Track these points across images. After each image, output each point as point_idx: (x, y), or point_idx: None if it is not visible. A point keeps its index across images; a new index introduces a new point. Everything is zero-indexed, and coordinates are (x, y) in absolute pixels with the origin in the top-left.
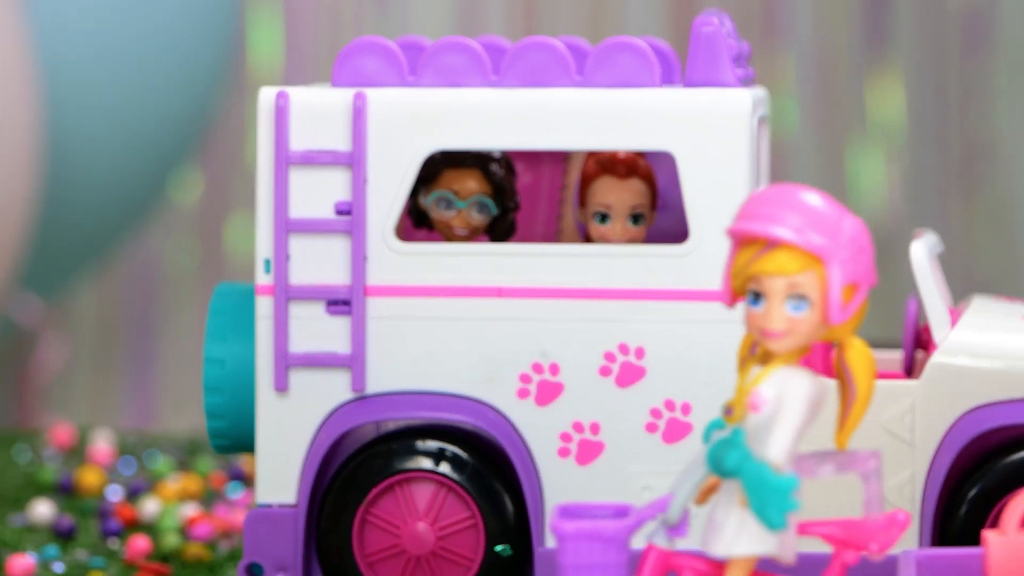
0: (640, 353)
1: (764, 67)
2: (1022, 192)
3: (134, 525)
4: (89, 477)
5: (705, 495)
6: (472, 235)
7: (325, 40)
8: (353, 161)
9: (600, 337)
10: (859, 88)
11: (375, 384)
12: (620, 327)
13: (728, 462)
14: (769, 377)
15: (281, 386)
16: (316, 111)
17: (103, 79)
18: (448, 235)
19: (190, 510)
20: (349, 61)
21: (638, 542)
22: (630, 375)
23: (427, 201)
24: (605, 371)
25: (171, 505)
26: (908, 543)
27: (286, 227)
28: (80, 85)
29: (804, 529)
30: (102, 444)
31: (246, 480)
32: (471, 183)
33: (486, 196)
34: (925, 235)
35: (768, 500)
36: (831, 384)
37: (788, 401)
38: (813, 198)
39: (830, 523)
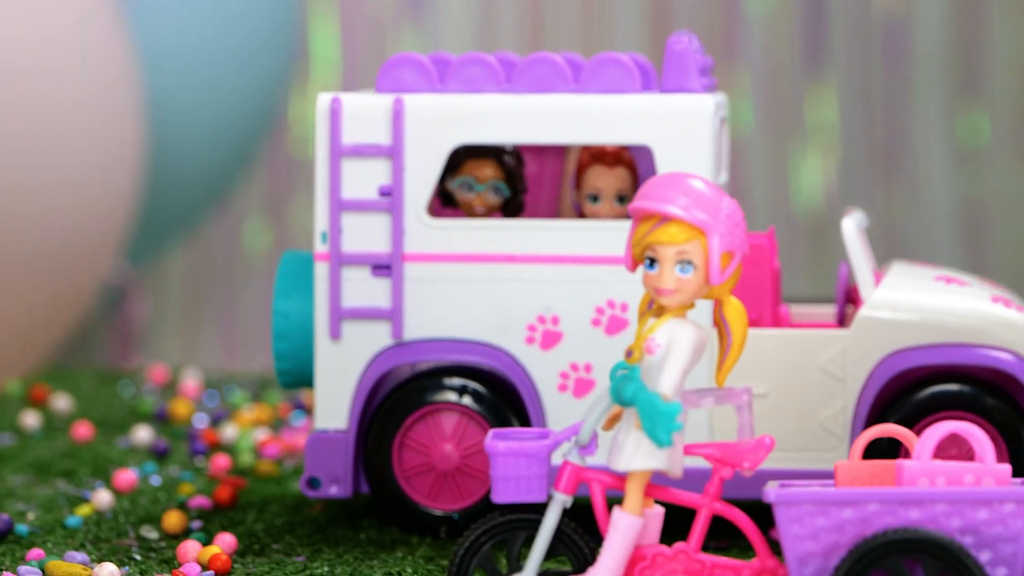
0: (624, 308)
1: (724, 77)
2: (932, 178)
3: (216, 446)
4: (180, 408)
5: (610, 422)
6: (488, 213)
7: (371, 54)
8: (393, 153)
9: (592, 295)
10: (800, 95)
11: (410, 333)
12: (608, 287)
13: (627, 393)
14: (662, 327)
15: (335, 334)
16: (363, 112)
17: (195, 82)
18: (469, 212)
19: (262, 434)
20: (390, 72)
21: (557, 459)
22: (616, 325)
23: (452, 185)
24: (596, 322)
25: (246, 430)
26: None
27: (339, 206)
28: (175, 88)
29: (689, 450)
30: (191, 381)
31: (306, 410)
32: (488, 170)
33: (500, 181)
34: (854, 213)
35: (658, 423)
36: (711, 333)
37: (676, 346)
38: (698, 183)
39: (710, 445)
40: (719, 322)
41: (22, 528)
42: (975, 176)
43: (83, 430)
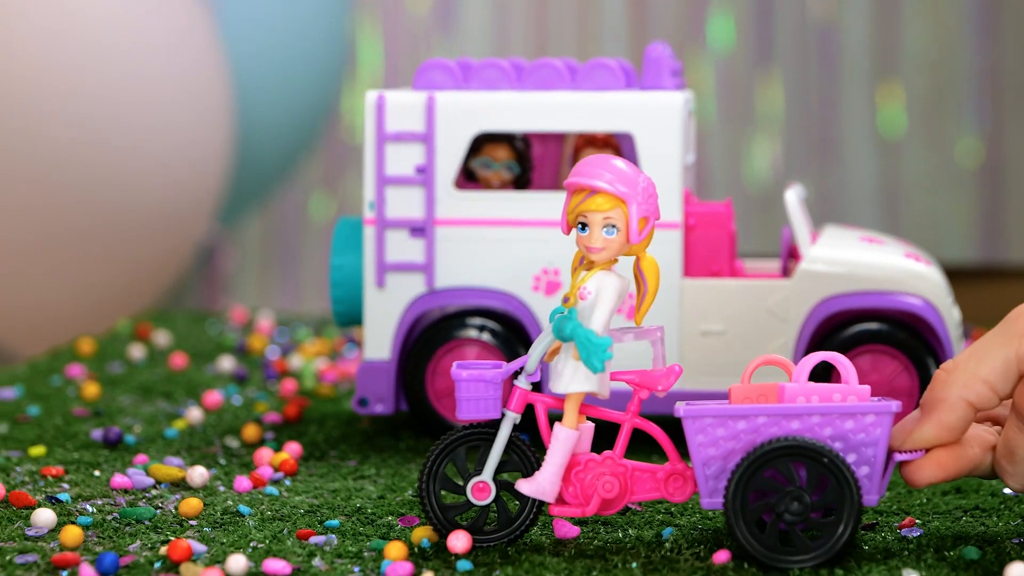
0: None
1: (692, 78)
2: (858, 160)
3: (285, 373)
4: (256, 342)
5: (551, 355)
6: (503, 186)
7: (408, 57)
8: (426, 138)
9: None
10: (752, 91)
11: (440, 282)
12: None
13: (567, 330)
14: (592, 277)
15: (380, 283)
16: (402, 106)
17: (270, 83)
18: (488, 186)
19: (321, 363)
20: (424, 73)
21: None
22: None
23: (474, 164)
24: None
25: (309, 360)
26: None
27: (383, 181)
28: (255, 87)
29: (614, 376)
30: (265, 320)
31: (357, 344)
32: (502, 152)
33: (512, 161)
34: (795, 186)
35: (593, 353)
36: (629, 281)
37: (604, 293)
38: (620, 163)
39: (631, 372)
40: (637, 274)
41: (130, 438)
42: (892, 159)
43: (179, 360)
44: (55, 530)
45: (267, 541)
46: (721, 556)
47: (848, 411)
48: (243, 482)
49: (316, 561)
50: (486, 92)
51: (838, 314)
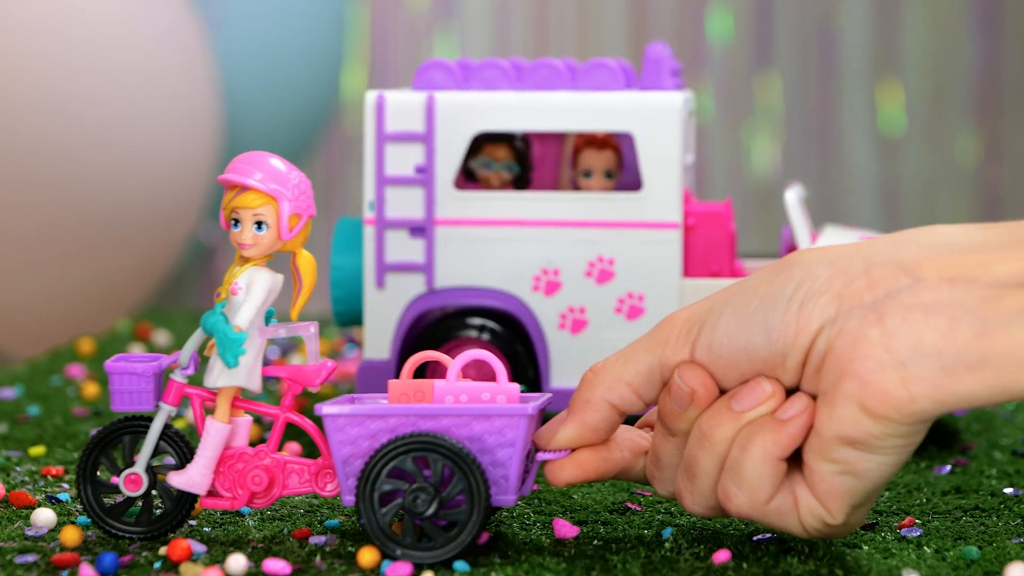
0: (611, 262)
1: (691, 77)
2: (858, 160)
3: None
4: None
5: (211, 348)
6: (503, 186)
7: (408, 58)
8: (426, 138)
9: (585, 252)
10: (751, 90)
11: (440, 282)
12: (599, 245)
13: (207, 325)
14: (244, 273)
15: (380, 283)
16: (402, 106)
17: (267, 85)
18: (487, 186)
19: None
20: (424, 73)
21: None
22: (605, 276)
23: (474, 164)
24: (588, 273)
25: None
26: None
27: (383, 181)
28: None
29: (268, 371)
30: None
31: (357, 343)
32: (502, 152)
33: (512, 161)
34: (795, 186)
35: (227, 348)
36: (282, 278)
37: (253, 288)
38: (275, 161)
39: (283, 367)
40: (293, 270)
41: None
42: (892, 158)
43: None
44: (55, 530)
45: (267, 541)
46: (721, 556)
47: (480, 413)
48: None
49: (316, 561)
50: (486, 92)
51: None
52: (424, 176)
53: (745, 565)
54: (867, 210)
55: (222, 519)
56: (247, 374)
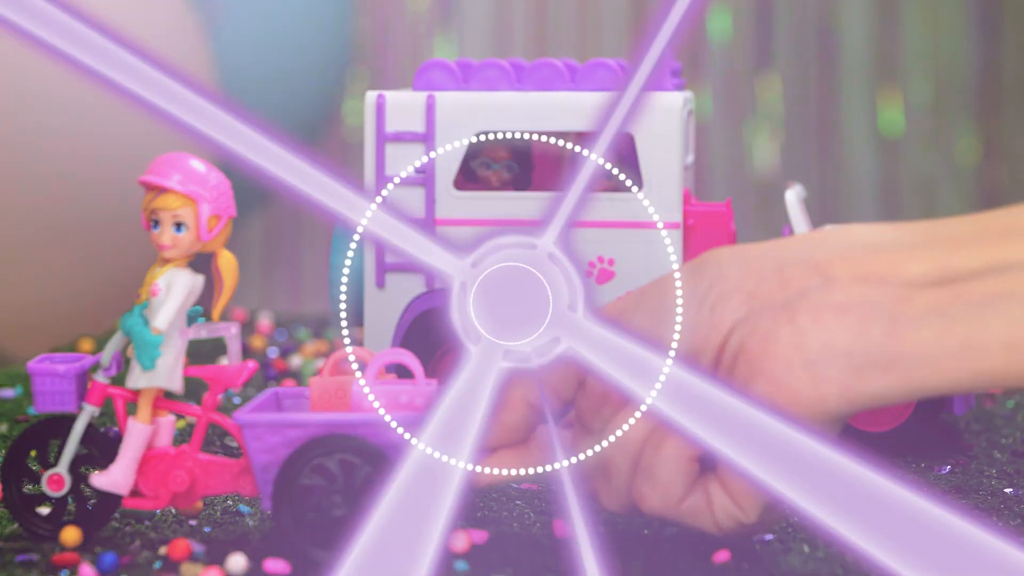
0: (611, 262)
1: (691, 77)
2: (857, 159)
3: (285, 373)
4: (256, 342)
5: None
6: (503, 186)
7: (409, 58)
8: (426, 138)
9: (587, 251)
10: (752, 89)
11: (439, 282)
12: (600, 245)
13: (124, 326)
14: (164, 274)
15: (380, 283)
16: (402, 106)
17: (268, 86)
18: (487, 186)
19: (321, 363)
20: (424, 74)
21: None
22: (605, 276)
23: (474, 164)
24: (589, 273)
25: (308, 360)
26: None
27: (383, 180)
28: (253, 87)
29: (189, 371)
30: (265, 321)
31: (358, 344)
32: (502, 152)
33: (512, 161)
34: (795, 185)
35: (142, 349)
36: (202, 278)
37: (173, 289)
38: (194, 161)
39: (207, 368)
40: (215, 271)
41: None
42: (892, 158)
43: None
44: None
45: (267, 541)
46: (721, 556)
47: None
48: None
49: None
50: (486, 92)
51: None
52: (424, 176)
53: (745, 565)
54: (867, 210)
55: (222, 519)
56: (167, 375)
